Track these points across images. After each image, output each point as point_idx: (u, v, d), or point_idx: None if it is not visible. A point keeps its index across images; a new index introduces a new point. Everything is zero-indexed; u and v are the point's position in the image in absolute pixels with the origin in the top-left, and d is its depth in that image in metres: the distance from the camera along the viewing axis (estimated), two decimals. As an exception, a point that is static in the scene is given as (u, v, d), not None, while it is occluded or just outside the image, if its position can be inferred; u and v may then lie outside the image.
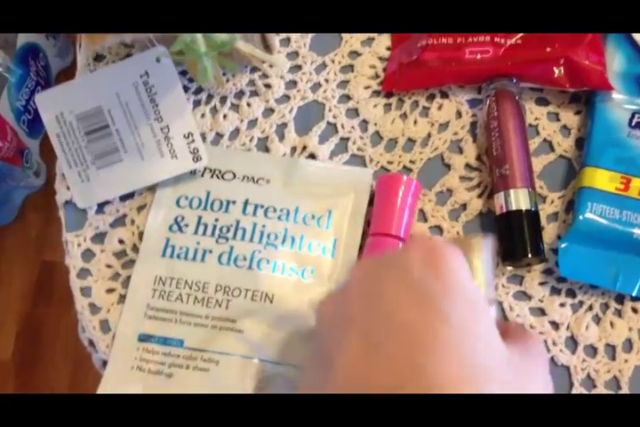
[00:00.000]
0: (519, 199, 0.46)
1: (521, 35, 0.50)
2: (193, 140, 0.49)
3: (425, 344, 0.28)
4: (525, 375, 0.31)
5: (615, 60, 0.50)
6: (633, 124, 0.48)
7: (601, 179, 0.47)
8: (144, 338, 0.46)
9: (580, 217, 0.46)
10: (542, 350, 0.35)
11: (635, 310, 0.46)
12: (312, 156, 0.51)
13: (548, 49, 0.49)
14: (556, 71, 0.49)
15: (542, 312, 0.46)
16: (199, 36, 0.39)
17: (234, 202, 0.49)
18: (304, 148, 0.51)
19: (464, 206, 0.49)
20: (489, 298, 0.34)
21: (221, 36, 0.40)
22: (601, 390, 0.45)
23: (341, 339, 0.30)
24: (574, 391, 0.45)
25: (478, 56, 0.50)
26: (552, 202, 0.49)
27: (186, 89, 0.53)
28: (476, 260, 0.35)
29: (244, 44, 0.48)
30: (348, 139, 0.52)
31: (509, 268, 0.47)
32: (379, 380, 0.28)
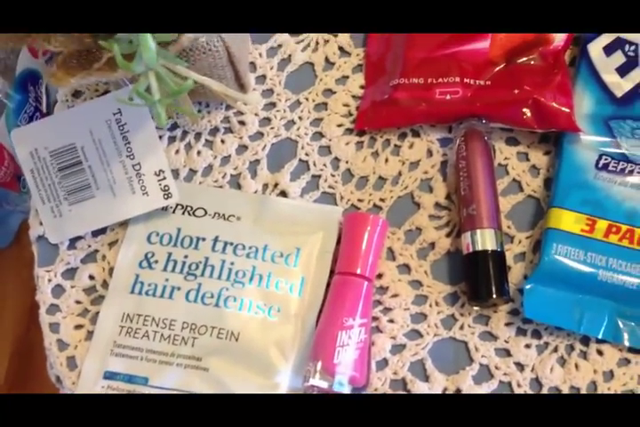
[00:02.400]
0: (485, 239, 0.46)
1: (489, 76, 0.50)
2: (164, 178, 0.49)
3: None
4: None
5: (584, 101, 0.50)
6: (600, 165, 0.48)
7: (567, 220, 0.47)
8: (109, 375, 0.46)
9: (546, 258, 0.46)
10: None
11: (600, 353, 0.46)
12: (283, 193, 0.52)
13: (517, 91, 0.49)
14: (525, 112, 0.49)
15: (508, 353, 0.46)
16: (153, 84, 0.39)
17: (203, 239, 0.49)
18: (276, 185, 0.52)
19: (432, 245, 0.50)
20: None
21: (171, 85, 0.40)
22: (564, 433, 0.44)
23: None
24: (537, 434, 0.44)
25: (448, 97, 0.51)
26: (520, 242, 0.49)
27: (161, 126, 0.54)
28: None
29: (217, 83, 0.48)
30: (319, 176, 0.52)
31: (476, 308, 0.47)
32: None
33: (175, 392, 0.45)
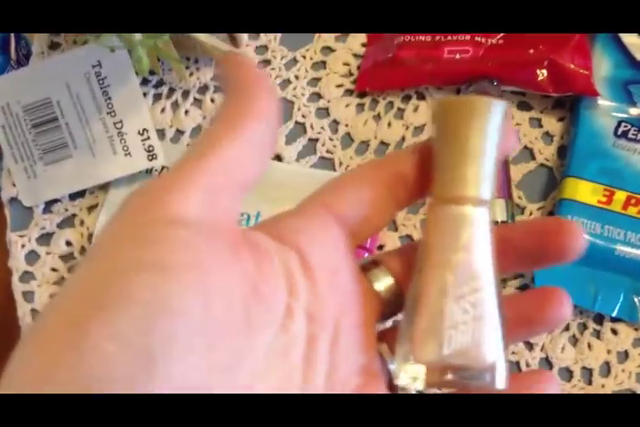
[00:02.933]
0: (495, 210, 0.43)
1: (502, 34, 0.47)
2: (148, 138, 0.45)
3: None
4: None
5: (602, 64, 0.47)
6: (619, 132, 0.45)
7: (583, 191, 0.44)
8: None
9: (560, 231, 0.43)
10: None
11: (614, 332, 0.43)
12: (278, 157, 0.48)
13: (532, 50, 0.46)
14: (540, 74, 0.46)
15: (516, 331, 0.44)
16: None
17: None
18: (269, 148, 0.48)
19: (437, 216, 0.46)
20: (486, 197, 0.25)
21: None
22: (575, 417, 0.42)
23: None
24: (547, 418, 0.42)
25: (457, 56, 0.47)
26: (531, 213, 0.46)
27: (146, 82, 0.49)
28: (476, 128, 0.25)
29: (206, 35, 0.44)
30: (316, 140, 0.48)
31: (482, 283, 0.44)
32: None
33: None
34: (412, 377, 0.25)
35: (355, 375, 0.25)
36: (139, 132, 0.45)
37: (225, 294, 0.21)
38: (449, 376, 0.24)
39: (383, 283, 0.27)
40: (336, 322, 0.25)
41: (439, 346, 0.24)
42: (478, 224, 0.25)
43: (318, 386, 0.24)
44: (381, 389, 0.25)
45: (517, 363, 0.43)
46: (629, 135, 0.45)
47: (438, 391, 0.27)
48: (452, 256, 0.25)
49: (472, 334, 0.24)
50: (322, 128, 0.49)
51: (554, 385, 0.26)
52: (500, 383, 0.24)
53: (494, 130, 0.25)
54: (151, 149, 0.45)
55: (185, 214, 0.21)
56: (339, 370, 0.24)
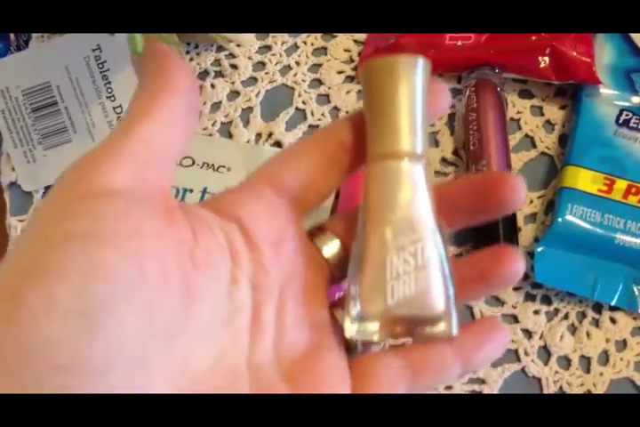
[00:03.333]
0: (496, 198, 0.43)
1: (506, 21, 0.46)
2: (148, 122, 0.45)
3: None
4: None
5: (605, 52, 0.47)
6: (620, 121, 0.45)
7: (583, 179, 0.44)
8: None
9: (559, 219, 0.43)
10: None
11: (613, 321, 0.43)
12: (278, 144, 0.48)
13: (534, 38, 0.46)
14: (542, 62, 0.46)
15: (515, 319, 0.43)
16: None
17: (191, 190, 0.46)
18: (270, 135, 0.48)
19: (437, 203, 0.46)
20: (420, 151, 0.25)
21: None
22: (572, 405, 0.42)
23: None
24: (544, 405, 0.42)
25: (459, 42, 0.47)
26: (531, 202, 0.46)
27: (145, 67, 0.49)
28: (404, 85, 0.25)
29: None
30: (317, 127, 0.48)
31: (482, 271, 0.44)
32: None
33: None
34: (363, 331, 0.25)
35: (304, 338, 0.26)
36: (138, 118, 0.45)
37: (159, 258, 0.22)
38: (399, 328, 0.25)
39: (330, 247, 0.27)
40: (282, 289, 0.25)
41: (384, 298, 0.25)
42: (414, 178, 0.25)
43: (267, 348, 0.25)
44: (334, 348, 0.26)
45: (516, 351, 0.43)
46: (631, 124, 0.45)
47: (392, 342, 0.27)
48: (389, 210, 0.25)
49: (415, 283, 0.25)
50: (322, 115, 0.48)
51: (503, 333, 0.27)
52: (450, 331, 0.25)
53: (419, 85, 0.26)
54: (151, 134, 0.45)
55: (114, 185, 0.22)
56: (287, 334, 0.25)
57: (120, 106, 0.45)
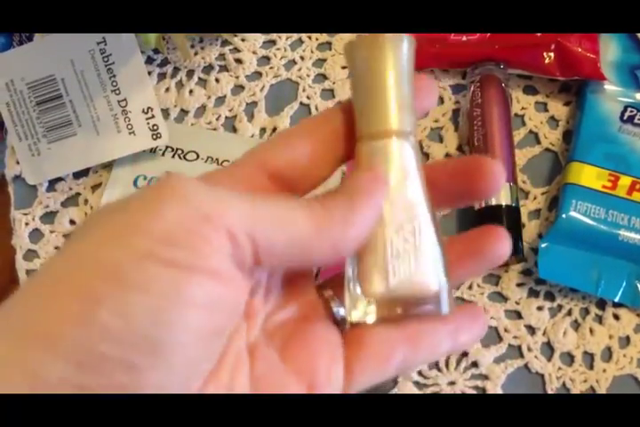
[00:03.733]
0: (499, 194, 0.43)
1: (511, 17, 0.46)
2: (153, 116, 0.45)
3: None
4: None
5: (610, 49, 0.47)
6: (625, 117, 0.45)
7: (588, 175, 0.44)
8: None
9: (564, 215, 0.43)
10: None
11: (616, 317, 0.43)
12: (282, 138, 0.48)
13: (539, 33, 0.46)
14: (547, 57, 0.46)
15: (518, 315, 0.43)
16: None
17: (195, 184, 0.45)
18: (274, 129, 0.48)
19: (441, 199, 0.46)
20: (408, 128, 0.25)
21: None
22: (575, 400, 0.42)
23: None
24: (547, 401, 0.42)
25: (464, 38, 0.47)
26: (535, 198, 0.46)
27: (150, 60, 0.49)
28: (389, 64, 0.25)
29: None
30: (321, 121, 0.48)
31: (485, 266, 0.44)
32: None
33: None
34: (362, 313, 0.25)
35: (292, 317, 0.26)
36: (143, 111, 0.45)
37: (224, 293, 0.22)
38: (397, 308, 0.25)
39: None
40: (270, 272, 0.26)
41: (385, 278, 0.25)
42: (404, 156, 0.25)
43: (258, 330, 0.25)
44: (324, 323, 0.26)
45: (519, 347, 0.43)
46: (635, 120, 0.45)
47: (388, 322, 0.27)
48: None
49: (415, 262, 0.25)
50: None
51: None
52: (445, 309, 0.25)
53: (404, 63, 0.26)
54: (155, 127, 0.45)
55: (233, 230, 0.22)
56: (275, 314, 0.26)
57: (125, 99, 0.45)
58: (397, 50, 0.26)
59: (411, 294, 0.25)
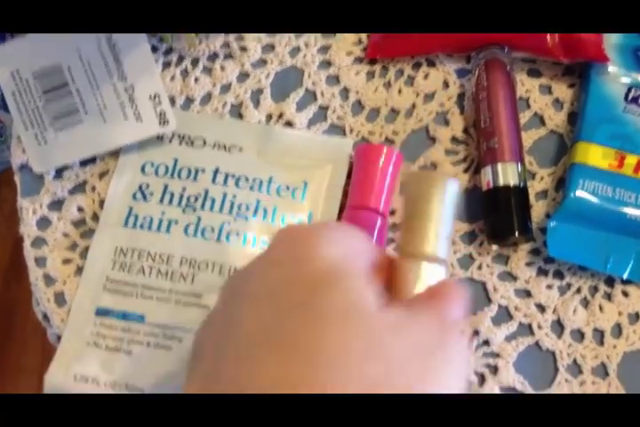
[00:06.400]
0: (507, 174, 0.43)
1: (515, 0, 0.47)
2: (160, 103, 0.45)
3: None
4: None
5: (612, 31, 0.47)
6: (629, 98, 0.45)
7: (594, 155, 0.44)
8: (102, 312, 0.43)
9: (571, 195, 0.43)
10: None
11: (625, 294, 0.44)
12: (289, 124, 0.48)
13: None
14: (550, 40, 0.46)
15: (528, 294, 0.44)
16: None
17: (203, 170, 0.46)
18: (280, 115, 0.48)
19: (448, 181, 0.46)
20: (442, 256, 0.30)
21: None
22: (587, 376, 0.42)
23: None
24: (559, 378, 0.42)
25: (469, 22, 0.47)
26: (542, 179, 0.46)
27: (155, 49, 0.49)
28: (435, 200, 0.30)
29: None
30: (327, 107, 0.48)
31: (494, 247, 0.44)
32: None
33: (174, 331, 0.42)
34: None
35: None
36: (150, 98, 0.45)
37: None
38: None
39: None
40: None
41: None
42: (431, 278, 0.29)
43: None
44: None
45: (529, 325, 0.43)
46: (640, 100, 0.45)
47: None
48: None
49: None
50: (332, 95, 0.49)
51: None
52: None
53: (450, 201, 0.30)
54: (163, 114, 0.45)
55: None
56: None
57: (132, 86, 0.45)
58: (446, 190, 0.30)
59: None
